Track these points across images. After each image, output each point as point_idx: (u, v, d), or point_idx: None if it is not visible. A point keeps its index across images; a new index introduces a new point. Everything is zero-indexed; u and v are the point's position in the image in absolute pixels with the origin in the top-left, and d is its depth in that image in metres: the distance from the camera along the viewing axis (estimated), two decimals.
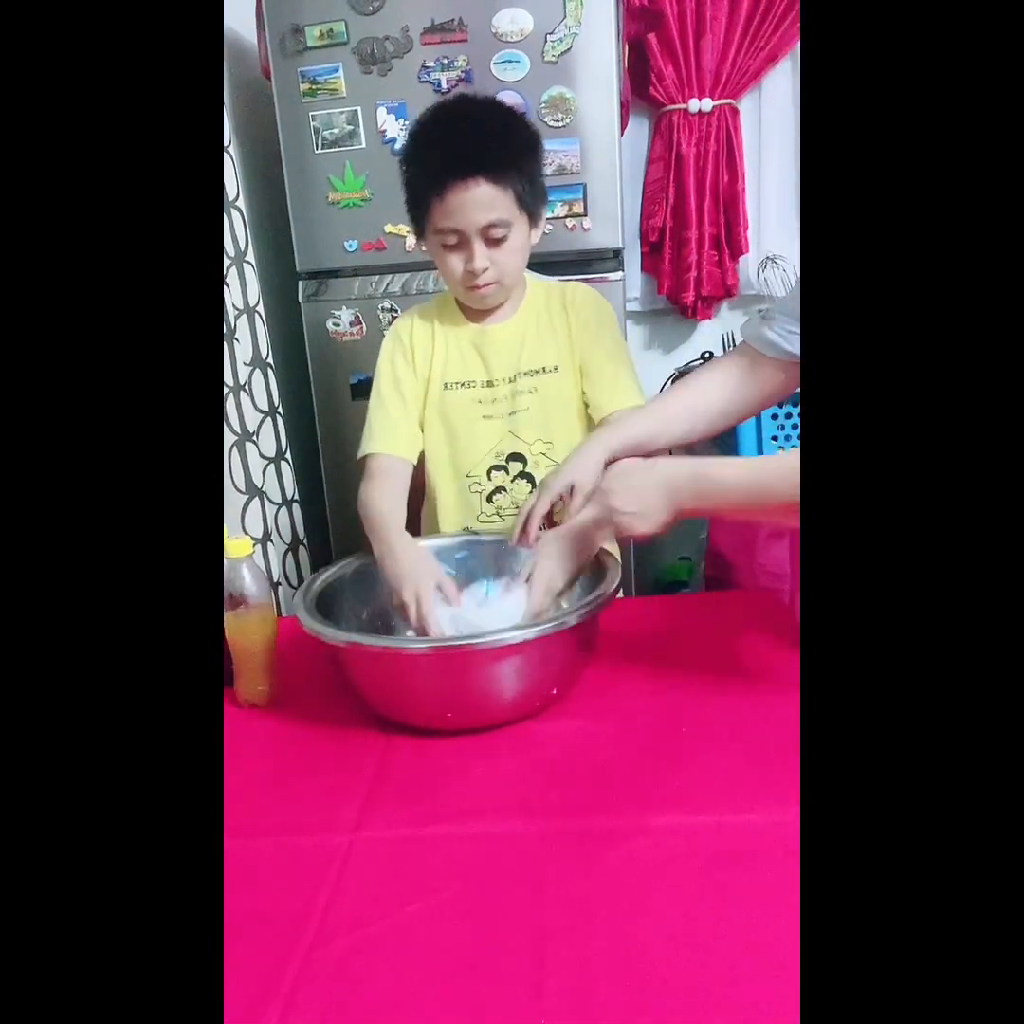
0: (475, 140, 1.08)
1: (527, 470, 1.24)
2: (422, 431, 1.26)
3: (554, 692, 0.93)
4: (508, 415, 1.23)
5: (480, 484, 1.25)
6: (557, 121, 1.79)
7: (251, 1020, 0.57)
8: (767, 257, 2.29)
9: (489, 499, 1.25)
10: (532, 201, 1.12)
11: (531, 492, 1.22)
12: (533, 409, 1.22)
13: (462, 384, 1.24)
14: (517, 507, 1.22)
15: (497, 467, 1.24)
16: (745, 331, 1.09)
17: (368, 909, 0.66)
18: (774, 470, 0.89)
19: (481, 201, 1.07)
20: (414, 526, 1.34)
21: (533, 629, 0.87)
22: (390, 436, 1.23)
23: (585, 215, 1.85)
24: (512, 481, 1.24)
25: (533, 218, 1.14)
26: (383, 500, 1.14)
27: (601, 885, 0.67)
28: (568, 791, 0.79)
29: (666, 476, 0.91)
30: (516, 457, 1.24)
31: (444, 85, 1.80)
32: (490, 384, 1.23)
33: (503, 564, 1.09)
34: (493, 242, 1.11)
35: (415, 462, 1.25)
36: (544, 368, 1.23)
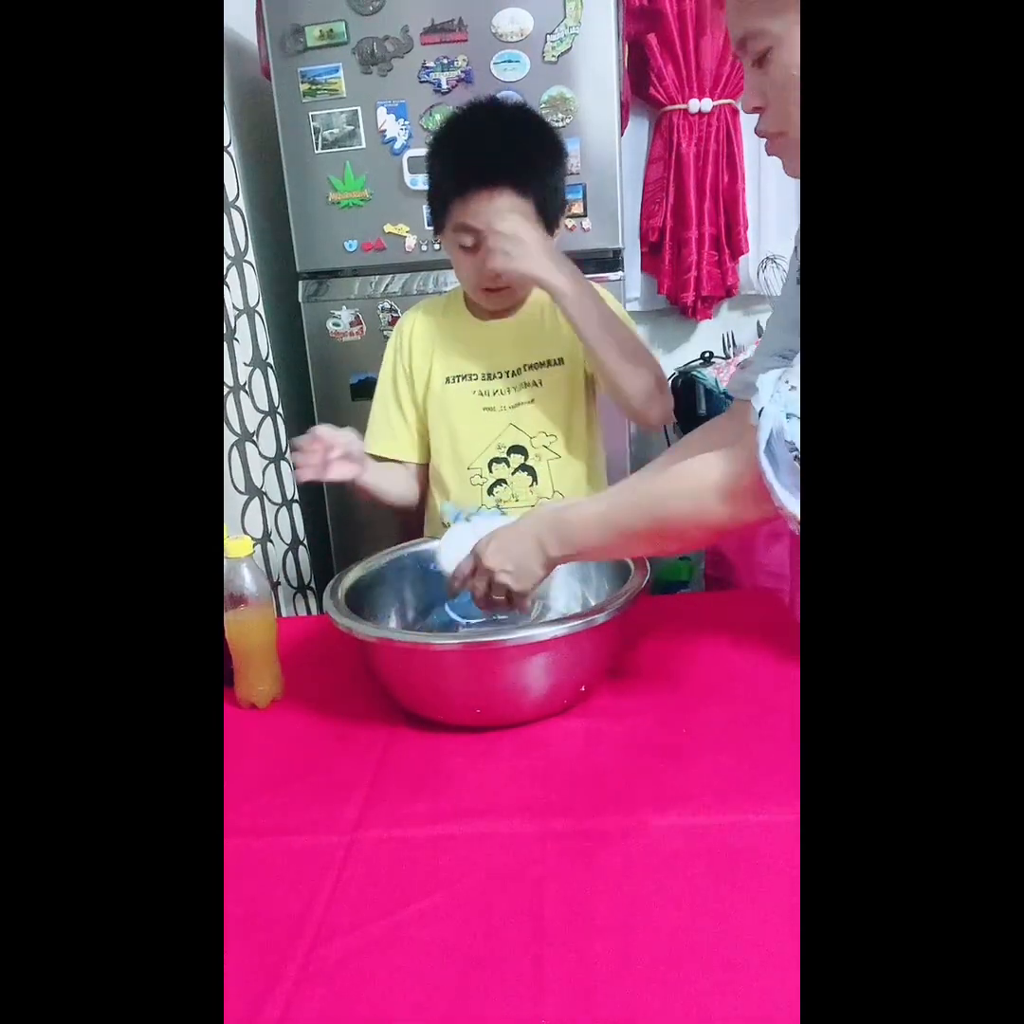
0: (503, 148, 1.09)
1: (528, 463, 1.24)
2: (427, 428, 1.28)
3: (583, 690, 0.93)
4: (510, 407, 1.24)
5: (481, 476, 1.25)
6: (557, 121, 1.78)
7: (251, 1020, 0.57)
8: (767, 257, 2.29)
9: (490, 492, 1.25)
10: (551, 210, 1.14)
11: (531, 486, 1.23)
12: (537, 401, 1.23)
13: (462, 377, 1.25)
14: (517, 500, 1.24)
15: (498, 460, 1.25)
16: (733, 389, 1.02)
17: (368, 909, 0.66)
18: (624, 505, 0.87)
19: (503, 209, 1.08)
20: (416, 523, 1.35)
21: (562, 626, 0.87)
22: (391, 439, 1.29)
23: (585, 215, 1.85)
24: (513, 474, 1.25)
25: (549, 226, 1.15)
26: None
27: (601, 885, 0.67)
28: (568, 791, 0.79)
29: (530, 529, 0.89)
30: (517, 450, 1.24)
31: (444, 85, 1.80)
32: (490, 376, 1.24)
33: None
34: None
35: (418, 461, 1.30)
36: (549, 361, 1.24)
